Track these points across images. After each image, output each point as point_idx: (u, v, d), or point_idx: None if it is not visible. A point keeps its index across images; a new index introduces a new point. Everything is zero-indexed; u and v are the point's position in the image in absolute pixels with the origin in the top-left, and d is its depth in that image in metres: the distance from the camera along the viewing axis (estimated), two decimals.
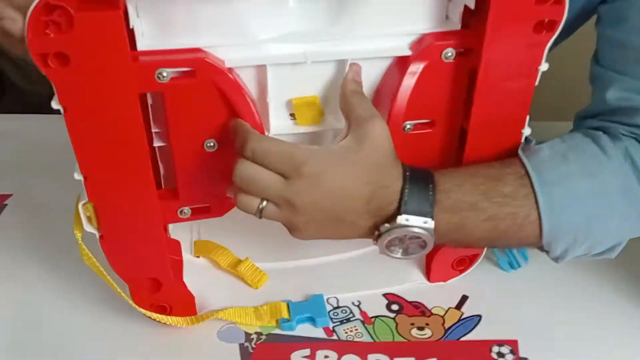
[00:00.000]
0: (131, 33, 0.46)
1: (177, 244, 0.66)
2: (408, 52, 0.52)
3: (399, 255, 0.54)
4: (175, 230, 0.67)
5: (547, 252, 0.56)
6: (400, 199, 0.51)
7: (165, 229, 0.60)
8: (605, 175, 0.53)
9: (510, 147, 0.56)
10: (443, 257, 0.65)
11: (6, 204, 0.79)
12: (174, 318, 0.61)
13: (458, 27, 0.53)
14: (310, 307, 0.64)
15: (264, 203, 0.51)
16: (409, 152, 0.55)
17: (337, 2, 0.51)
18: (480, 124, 0.55)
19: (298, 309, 0.64)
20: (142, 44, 0.48)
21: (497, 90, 0.53)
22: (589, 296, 0.67)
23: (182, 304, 0.62)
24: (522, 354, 0.60)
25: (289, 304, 0.64)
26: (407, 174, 0.51)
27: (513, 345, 0.61)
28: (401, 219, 0.50)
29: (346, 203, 0.51)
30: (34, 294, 0.66)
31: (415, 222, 0.51)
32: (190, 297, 0.62)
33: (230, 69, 0.50)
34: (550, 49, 0.52)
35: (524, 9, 0.49)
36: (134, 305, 0.59)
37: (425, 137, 0.56)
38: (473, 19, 0.52)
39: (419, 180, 0.52)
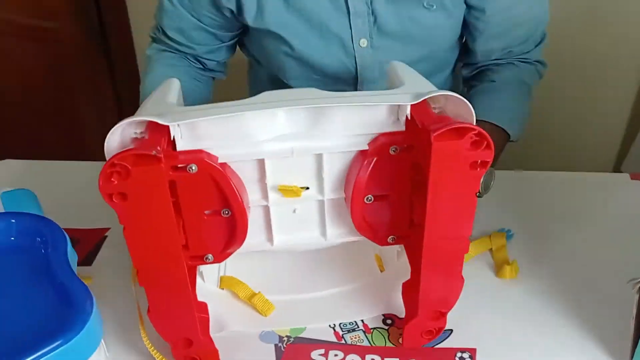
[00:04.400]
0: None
1: (204, 305, 0.77)
2: (366, 147, 0.69)
3: None
4: (206, 269, 0.86)
5: None
6: None
7: (195, 299, 0.74)
8: None
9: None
10: (415, 327, 0.78)
11: (106, 236, 1.01)
12: None
13: (403, 128, 0.69)
14: None
15: None
16: (371, 216, 0.74)
17: (315, 114, 0.68)
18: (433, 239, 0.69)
19: None
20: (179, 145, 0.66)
21: (445, 205, 0.66)
22: (542, 313, 0.83)
23: (208, 356, 0.77)
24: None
25: None
26: None
27: (472, 352, 0.78)
28: None
29: None
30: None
31: None
32: (214, 350, 0.76)
33: (223, 164, 0.67)
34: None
35: (460, 152, 0.63)
36: None
37: (382, 206, 0.72)
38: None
39: None
